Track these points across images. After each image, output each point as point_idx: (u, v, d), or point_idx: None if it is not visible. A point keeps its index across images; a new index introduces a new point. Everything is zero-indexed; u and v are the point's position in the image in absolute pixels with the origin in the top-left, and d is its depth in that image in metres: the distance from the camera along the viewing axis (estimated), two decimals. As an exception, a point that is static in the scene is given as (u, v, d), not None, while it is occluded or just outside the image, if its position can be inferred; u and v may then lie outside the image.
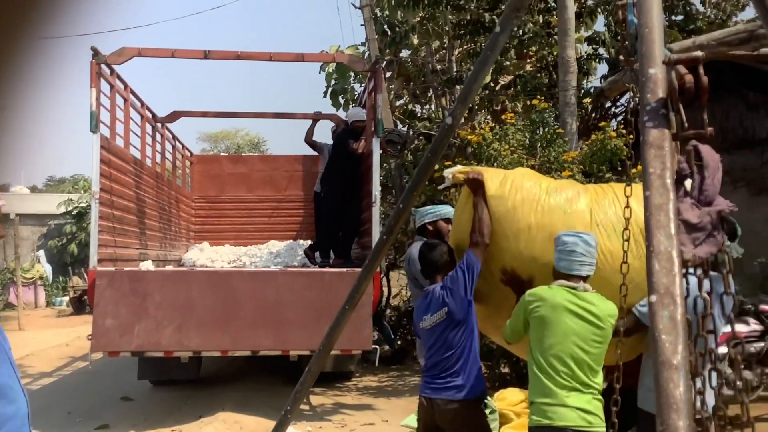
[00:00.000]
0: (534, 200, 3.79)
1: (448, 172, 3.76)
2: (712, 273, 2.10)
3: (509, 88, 11.27)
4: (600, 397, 3.48)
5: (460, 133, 10.68)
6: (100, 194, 7.10)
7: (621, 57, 2.64)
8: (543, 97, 9.55)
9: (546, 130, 8.35)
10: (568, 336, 3.41)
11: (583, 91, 10.59)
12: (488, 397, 6.92)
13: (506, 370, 8.63)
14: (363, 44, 14.17)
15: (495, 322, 3.97)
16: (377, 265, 2.74)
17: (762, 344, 6.71)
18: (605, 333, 3.44)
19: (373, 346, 7.29)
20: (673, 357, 1.52)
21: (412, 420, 7.11)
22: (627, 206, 3.03)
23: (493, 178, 3.82)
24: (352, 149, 8.32)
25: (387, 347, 10.02)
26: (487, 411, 6.58)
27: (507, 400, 7.04)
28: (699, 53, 1.88)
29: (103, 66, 7.30)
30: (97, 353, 7.09)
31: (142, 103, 9.46)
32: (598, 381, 3.47)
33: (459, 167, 3.88)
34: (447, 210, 4.78)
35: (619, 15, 2.60)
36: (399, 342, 11.45)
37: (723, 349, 6.25)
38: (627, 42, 2.50)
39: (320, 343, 2.93)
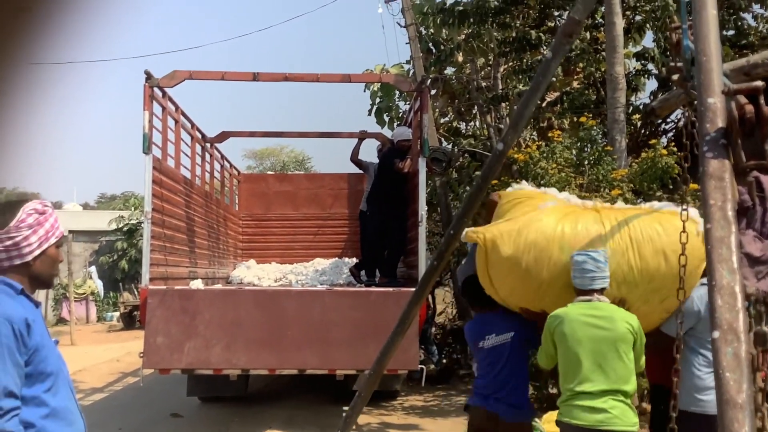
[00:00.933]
0: (546, 258, 4.00)
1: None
2: None
3: (556, 104, 11.16)
4: (625, 399, 3.76)
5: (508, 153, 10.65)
6: (152, 214, 7.24)
7: (674, 78, 2.60)
8: (591, 114, 9.44)
9: (594, 147, 8.25)
10: (586, 344, 3.74)
11: (632, 107, 10.44)
12: (536, 419, 6.85)
13: (554, 391, 8.50)
14: (408, 62, 14.22)
15: None
16: (428, 290, 2.73)
17: None
18: (624, 337, 3.74)
19: (420, 365, 7.26)
20: (737, 396, 1.48)
21: (460, 442, 7.06)
22: (683, 230, 2.98)
23: (506, 239, 3.96)
24: (398, 168, 8.34)
25: (432, 366, 9.96)
26: (535, 432, 6.50)
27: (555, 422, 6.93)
28: (759, 83, 1.84)
29: (155, 89, 7.48)
30: (148, 370, 7.21)
31: (193, 124, 9.64)
32: (622, 384, 3.75)
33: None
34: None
35: (672, 38, 2.56)
36: (445, 360, 11.38)
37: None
38: (682, 65, 2.47)
39: (370, 368, 2.94)
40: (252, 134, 11.86)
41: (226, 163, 12.07)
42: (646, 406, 5.88)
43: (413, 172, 8.15)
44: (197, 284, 7.89)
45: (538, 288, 4.06)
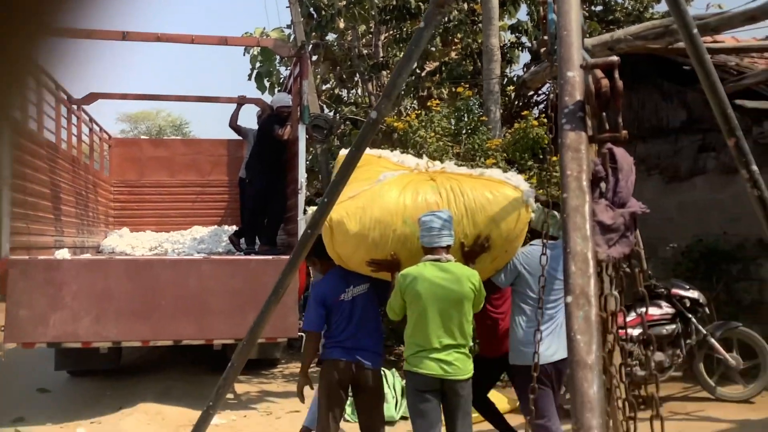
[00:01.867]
0: (391, 232, 4.32)
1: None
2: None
3: (435, 74, 11.34)
4: (464, 350, 4.20)
5: (386, 120, 10.71)
6: (11, 180, 6.79)
7: (542, 51, 2.69)
8: (468, 85, 9.66)
9: (471, 117, 8.46)
10: (434, 304, 4.07)
11: (506, 79, 10.76)
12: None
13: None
14: (288, 27, 13.99)
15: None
16: (302, 258, 2.72)
17: (673, 327, 7.02)
18: (467, 296, 4.13)
19: (299, 333, 7.26)
20: (587, 356, 1.56)
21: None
22: (545, 188, 3.12)
23: (351, 219, 4.24)
24: (278, 135, 8.22)
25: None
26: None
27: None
28: (615, 58, 1.92)
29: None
30: (11, 344, 6.83)
31: (57, 85, 9.07)
32: (466, 337, 4.20)
33: None
34: None
35: (542, 12, 2.64)
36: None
37: (635, 331, 6.52)
38: (548, 39, 2.55)
39: (243, 338, 2.90)
40: (124, 96, 11.28)
41: (95, 126, 11.45)
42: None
43: (293, 139, 8.06)
44: (63, 254, 7.50)
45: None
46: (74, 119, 10.04)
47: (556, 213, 4.19)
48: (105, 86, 10.18)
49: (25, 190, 7.33)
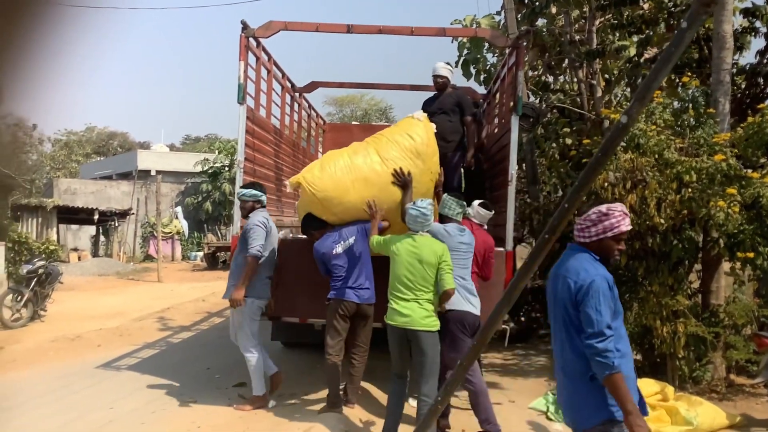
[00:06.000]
0: (346, 170, 6.40)
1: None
2: None
3: (654, 61, 10.68)
4: (423, 305, 5.46)
5: (602, 111, 10.29)
6: (244, 163, 7.36)
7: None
8: (693, 74, 9.00)
9: (696, 109, 7.88)
10: (405, 266, 5.51)
11: (736, 67, 9.88)
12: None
13: (638, 357, 8.36)
14: (498, 13, 13.85)
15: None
16: (536, 265, 2.68)
17: None
18: (428, 261, 5.47)
19: (503, 325, 7.23)
20: None
21: (541, 403, 7.06)
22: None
23: (312, 169, 6.52)
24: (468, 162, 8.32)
25: (512, 325, 9.94)
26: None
27: (641, 391, 6.81)
28: None
29: (251, 39, 7.52)
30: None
31: (283, 74, 9.70)
32: (422, 294, 5.47)
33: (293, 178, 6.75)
34: (258, 193, 6.90)
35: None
36: (523, 319, 11.33)
37: None
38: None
39: (474, 338, 2.93)
40: (341, 85, 11.83)
41: (312, 112, 12.13)
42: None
43: (505, 131, 7.95)
44: (286, 233, 8.02)
45: (350, 189, 6.32)
46: (296, 106, 10.69)
47: (456, 199, 6.14)
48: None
49: (254, 173, 7.93)
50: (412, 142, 6.50)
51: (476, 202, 6.78)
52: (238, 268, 6.79)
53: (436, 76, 8.29)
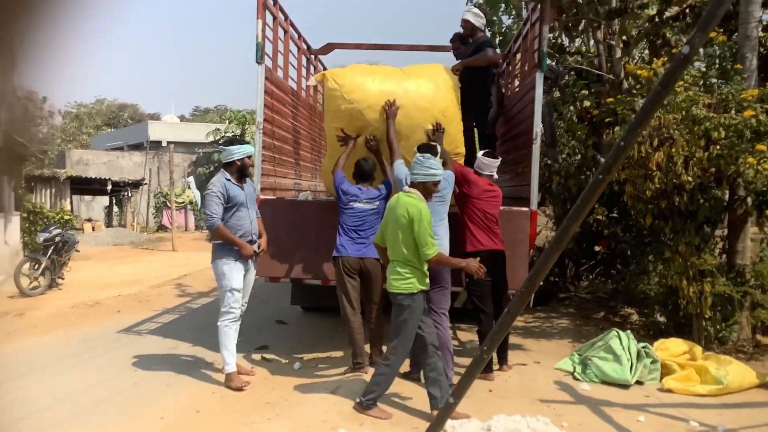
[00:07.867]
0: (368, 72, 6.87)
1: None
2: None
3: (677, 19, 10.43)
4: (399, 267, 5.26)
5: (627, 68, 10.08)
6: (263, 125, 7.25)
7: None
8: (720, 29, 8.76)
9: (723, 65, 7.68)
10: (387, 227, 5.40)
11: (763, 24, 9.62)
12: (649, 346, 6.69)
13: (662, 319, 8.28)
14: (516, -28, 13.54)
15: None
16: (591, 205, 2.58)
17: None
18: (399, 221, 5.24)
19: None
20: None
21: (567, 364, 7.00)
22: None
23: (347, 79, 6.70)
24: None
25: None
26: (648, 360, 6.37)
27: (669, 350, 6.76)
28: None
29: (268, -4, 7.36)
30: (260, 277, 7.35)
31: (300, 35, 9.53)
32: (398, 257, 5.29)
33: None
34: (250, 149, 6.39)
35: None
36: (542, 283, 11.25)
37: None
38: None
39: (521, 285, 2.86)
40: (358, 46, 11.60)
41: (328, 76, 11.94)
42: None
43: (528, 88, 7.76)
44: (305, 196, 7.94)
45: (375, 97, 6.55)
46: (312, 69, 10.52)
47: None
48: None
49: (273, 135, 7.82)
50: (431, 86, 6.73)
51: (480, 152, 6.68)
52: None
53: (461, 21, 8.30)
